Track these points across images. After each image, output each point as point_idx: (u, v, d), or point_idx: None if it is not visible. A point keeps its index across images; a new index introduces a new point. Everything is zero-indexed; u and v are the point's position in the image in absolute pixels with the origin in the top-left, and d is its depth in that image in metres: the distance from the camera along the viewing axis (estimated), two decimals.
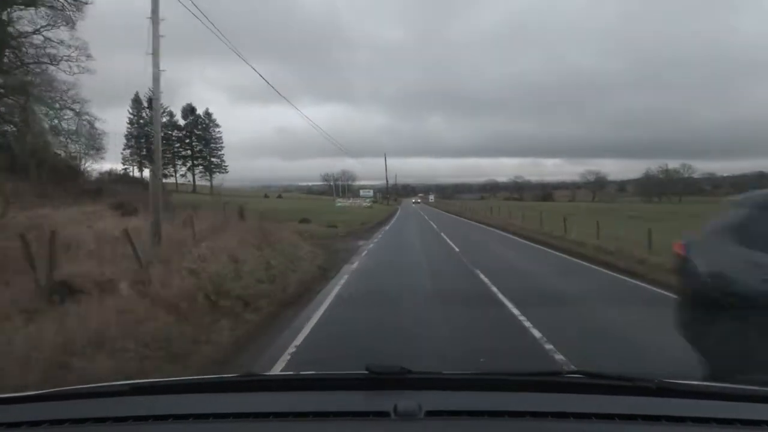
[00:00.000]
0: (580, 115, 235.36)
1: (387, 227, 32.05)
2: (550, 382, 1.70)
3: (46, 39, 29.05)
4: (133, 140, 76.66)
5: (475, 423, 1.43)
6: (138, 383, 1.72)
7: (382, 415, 1.43)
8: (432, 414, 1.43)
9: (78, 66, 29.83)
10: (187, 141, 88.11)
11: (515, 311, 7.62)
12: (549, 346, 5.80)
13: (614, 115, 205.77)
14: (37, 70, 29.63)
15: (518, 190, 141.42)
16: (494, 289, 9.57)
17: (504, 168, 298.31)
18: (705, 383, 1.68)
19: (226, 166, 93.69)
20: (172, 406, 1.54)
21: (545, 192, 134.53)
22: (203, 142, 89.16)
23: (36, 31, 28.81)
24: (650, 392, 1.58)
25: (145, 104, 68.62)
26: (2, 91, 27.74)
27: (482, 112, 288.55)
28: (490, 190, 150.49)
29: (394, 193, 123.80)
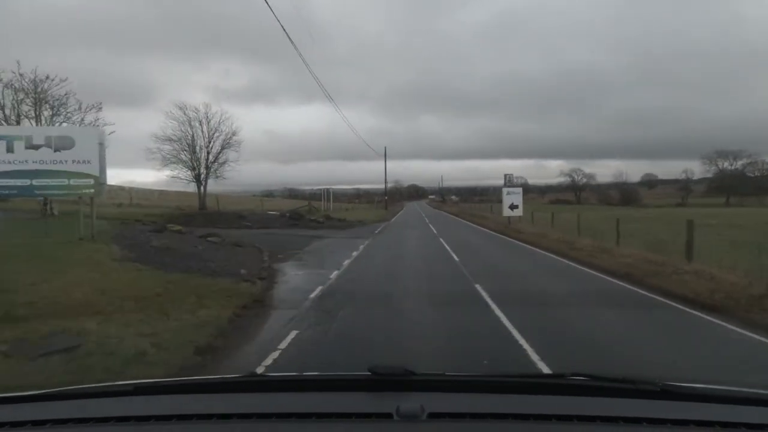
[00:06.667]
0: (583, 114, 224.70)
1: None
2: (554, 384, 1.69)
3: None
4: None
5: (478, 425, 1.42)
6: (141, 383, 1.73)
7: (384, 416, 1.42)
8: (434, 416, 1.43)
9: None
10: None
11: None
12: None
13: (621, 114, 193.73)
14: None
15: (571, 190, 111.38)
16: None
17: (507, 170, 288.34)
18: (709, 386, 1.65)
19: None
20: (175, 407, 1.55)
21: (624, 192, 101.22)
22: None
23: None
24: (654, 395, 1.56)
25: None
26: None
27: (482, 113, 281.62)
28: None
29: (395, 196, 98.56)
